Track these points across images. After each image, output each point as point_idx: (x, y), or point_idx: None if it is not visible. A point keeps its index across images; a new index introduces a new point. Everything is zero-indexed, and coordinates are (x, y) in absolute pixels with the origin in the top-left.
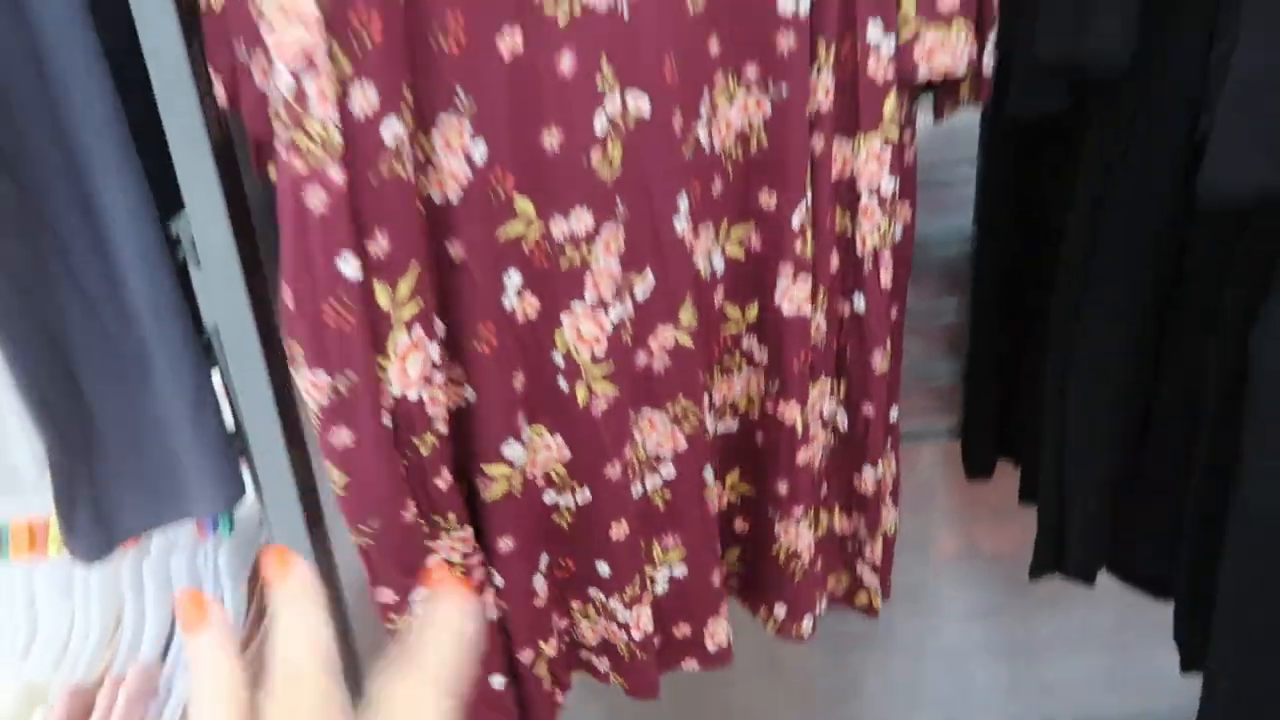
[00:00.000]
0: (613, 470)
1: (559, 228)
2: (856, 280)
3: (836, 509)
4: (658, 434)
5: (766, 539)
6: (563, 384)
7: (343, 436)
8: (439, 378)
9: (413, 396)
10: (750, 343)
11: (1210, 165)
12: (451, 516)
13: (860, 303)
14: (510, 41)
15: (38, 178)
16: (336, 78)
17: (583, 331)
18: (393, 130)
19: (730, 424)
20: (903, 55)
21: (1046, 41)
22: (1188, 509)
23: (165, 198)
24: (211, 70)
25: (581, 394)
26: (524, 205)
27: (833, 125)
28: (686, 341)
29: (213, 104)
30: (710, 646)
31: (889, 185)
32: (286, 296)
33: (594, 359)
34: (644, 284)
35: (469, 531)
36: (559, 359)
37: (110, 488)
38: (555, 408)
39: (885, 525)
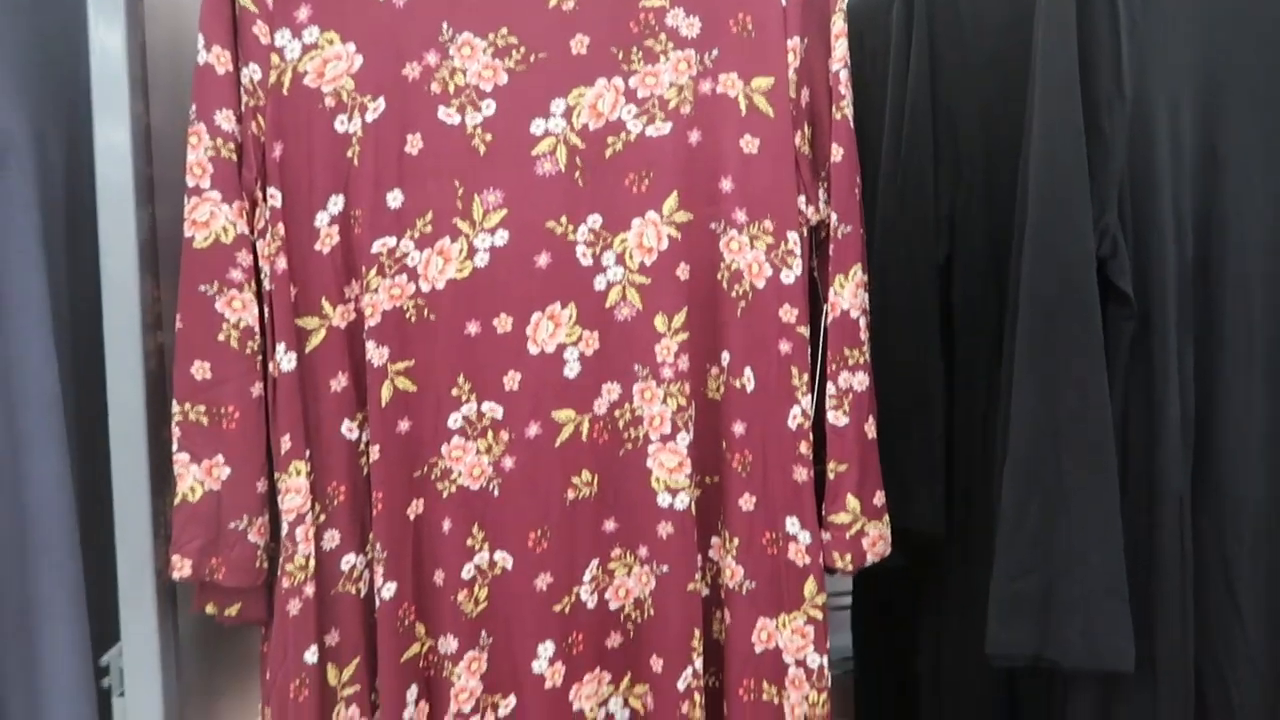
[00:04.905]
0: None
1: (442, 646)
2: None
3: None
4: None
5: None
6: None
7: None
8: None
9: None
10: None
11: (991, 640)
12: None
13: None
14: (414, 507)
15: None
16: (314, 524)
17: None
18: (350, 562)
19: None
20: (853, 546)
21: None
22: None
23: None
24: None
25: None
26: (420, 629)
27: (749, 603)
28: None
29: (162, 548)
30: None
31: (815, 660)
32: (265, 673)
33: None
34: (507, 707)
35: None
36: None
37: None
38: None
39: None
